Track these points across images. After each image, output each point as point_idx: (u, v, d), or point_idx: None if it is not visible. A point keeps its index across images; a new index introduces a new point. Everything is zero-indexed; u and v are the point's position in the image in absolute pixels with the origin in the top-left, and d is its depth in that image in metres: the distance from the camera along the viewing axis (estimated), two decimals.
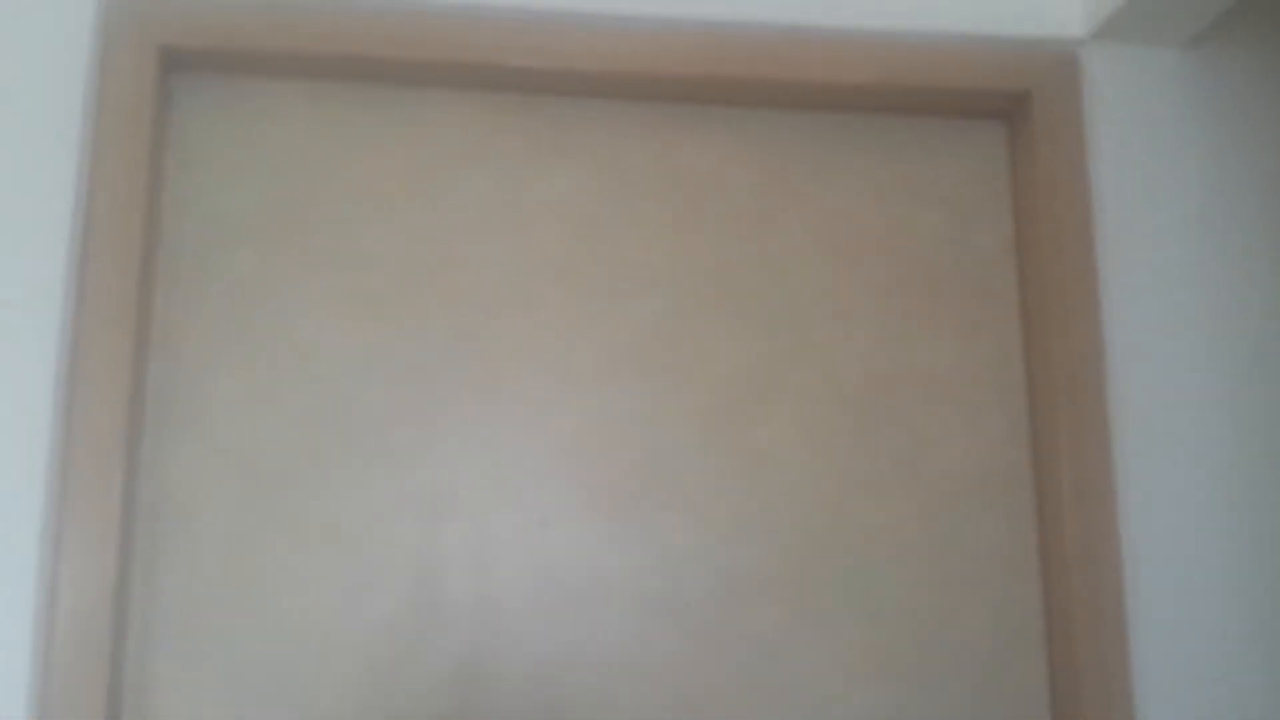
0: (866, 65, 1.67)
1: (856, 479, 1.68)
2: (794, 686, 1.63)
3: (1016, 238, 1.76)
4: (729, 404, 1.68)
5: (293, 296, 1.64)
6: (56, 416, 1.50)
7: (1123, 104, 1.72)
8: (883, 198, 1.76)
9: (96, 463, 1.49)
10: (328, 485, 1.61)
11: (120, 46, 1.58)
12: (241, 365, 1.62)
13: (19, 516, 1.47)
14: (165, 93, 1.65)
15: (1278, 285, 1.70)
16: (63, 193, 1.54)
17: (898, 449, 1.70)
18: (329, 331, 1.64)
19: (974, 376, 1.72)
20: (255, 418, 1.61)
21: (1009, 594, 1.67)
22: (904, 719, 1.63)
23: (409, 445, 1.62)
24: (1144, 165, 1.70)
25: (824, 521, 1.66)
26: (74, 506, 1.48)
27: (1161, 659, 1.59)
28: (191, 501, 1.58)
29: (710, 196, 1.73)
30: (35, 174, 1.55)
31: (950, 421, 1.71)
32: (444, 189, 1.70)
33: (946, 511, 1.68)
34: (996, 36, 1.68)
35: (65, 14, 1.58)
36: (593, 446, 1.66)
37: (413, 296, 1.66)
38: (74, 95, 1.57)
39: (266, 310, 1.64)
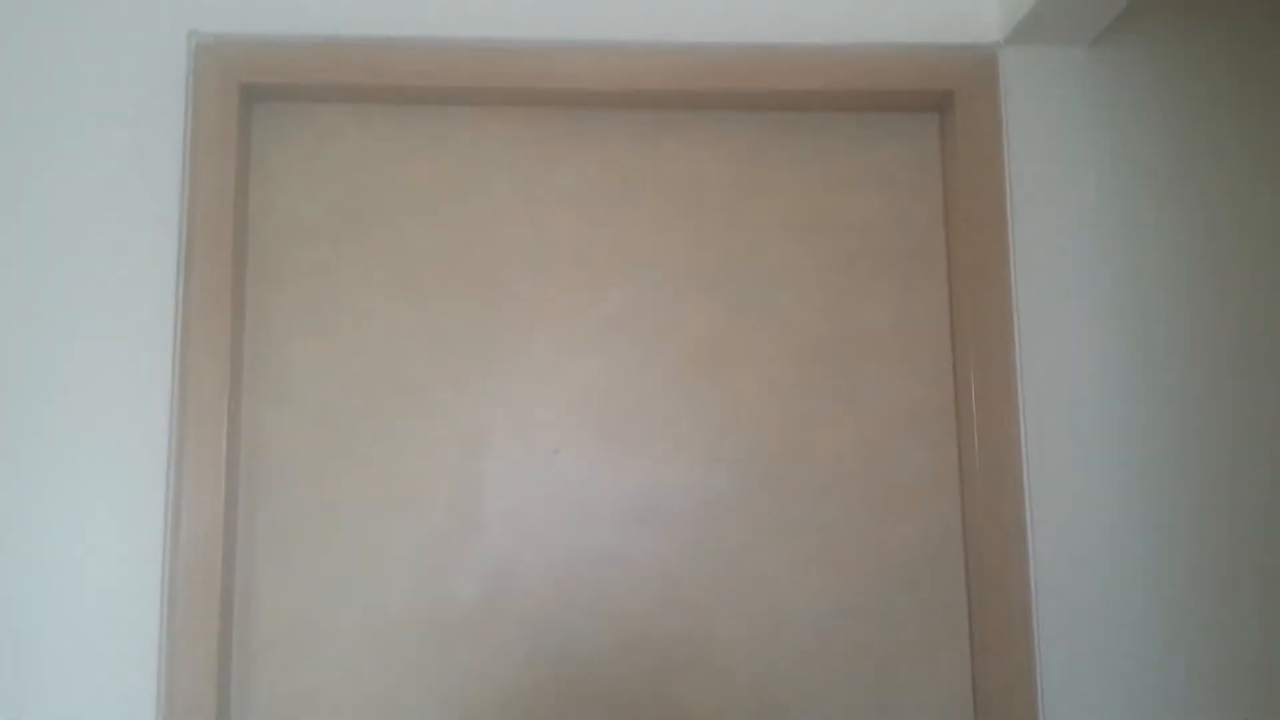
0: (818, 73, 1.75)
1: (810, 416, 1.76)
2: (757, 583, 1.72)
3: (945, 215, 1.81)
4: (706, 357, 1.76)
5: (355, 280, 1.74)
6: (173, 383, 1.63)
7: (1034, 98, 1.76)
8: (835, 184, 1.81)
9: (206, 419, 1.62)
10: (386, 430, 1.71)
11: (209, 85, 1.69)
12: (316, 337, 1.72)
13: (148, 463, 1.62)
14: (247, 120, 1.74)
15: (1164, 257, 1.75)
16: (169, 204, 1.67)
17: (844, 391, 1.77)
18: (384, 307, 1.74)
19: (907, 331, 1.78)
20: (328, 378, 1.72)
21: (933, 508, 1.75)
22: (847, 612, 1.72)
23: (449, 396, 1.72)
24: (1051, 151, 1.75)
25: (783, 451, 1.75)
26: (190, 453, 1.62)
27: (1054, 557, 1.68)
28: (280, 446, 1.71)
29: (691, 187, 1.80)
30: (146, 190, 1.67)
31: (888, 368, 1.77)
32: (471, 189, 1.77)
33: (883, 442, 1.76)
34: (927, 44, 1.76)
35: (165, 60, 1.70)
36: (595, 394, 1.74)
37: (449, 277, 1.75)
38: (174, 125, 1.69)
39: (334, 292, 1.74)
